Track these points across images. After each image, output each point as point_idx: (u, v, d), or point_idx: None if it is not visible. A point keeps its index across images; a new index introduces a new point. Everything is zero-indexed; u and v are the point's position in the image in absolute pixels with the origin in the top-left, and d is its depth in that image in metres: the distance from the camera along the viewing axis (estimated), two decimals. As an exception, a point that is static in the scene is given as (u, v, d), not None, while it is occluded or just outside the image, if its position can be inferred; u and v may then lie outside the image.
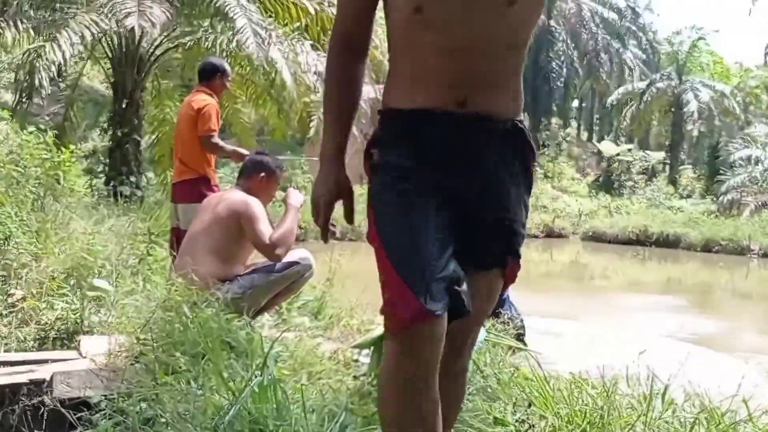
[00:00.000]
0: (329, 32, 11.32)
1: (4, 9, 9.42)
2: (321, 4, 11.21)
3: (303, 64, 11.12)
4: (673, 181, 28.29)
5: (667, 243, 18.78)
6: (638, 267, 16.88)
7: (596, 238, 20.38)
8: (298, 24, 10.95)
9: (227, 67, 5.10)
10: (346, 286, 4.73)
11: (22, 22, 9.00)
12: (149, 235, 5.11)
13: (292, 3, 10.47)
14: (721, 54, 31.79)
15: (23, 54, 9.18)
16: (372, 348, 3.00)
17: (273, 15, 10.76)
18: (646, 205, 23.54)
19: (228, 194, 3.74)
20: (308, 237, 16.08)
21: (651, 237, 19.19)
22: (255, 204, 3.54)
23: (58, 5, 9.18)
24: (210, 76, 4.97)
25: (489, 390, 2.75)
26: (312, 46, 11.34)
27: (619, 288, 12.50)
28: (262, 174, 3.75)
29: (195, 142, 4.78)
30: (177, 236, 4.72)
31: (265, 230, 3.45)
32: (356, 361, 3.19)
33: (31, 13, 9.54)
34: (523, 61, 1.69)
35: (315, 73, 11.57)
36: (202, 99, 4.83)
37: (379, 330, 3.03)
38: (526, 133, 1.70)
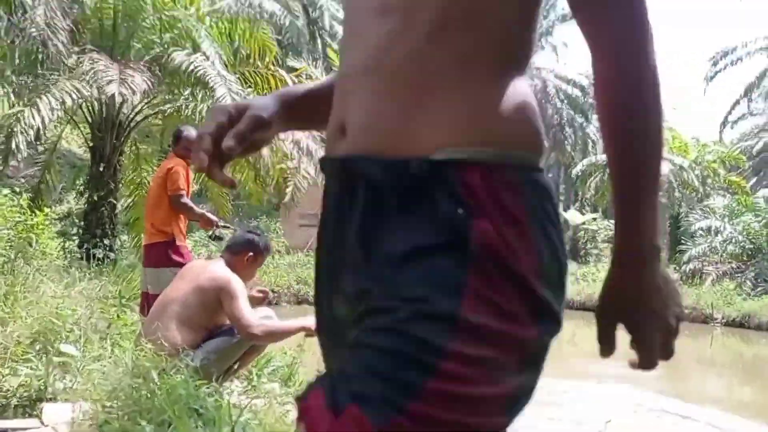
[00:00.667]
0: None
1: (-14, 74, 9.56)
2: (299, 76, 11.58)
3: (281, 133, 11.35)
4: (639, 251, 28.70)
5: (635, 312, 18.89)
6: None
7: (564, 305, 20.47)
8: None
9: (186, 133, 5.21)
10: (318, 351, 4.72)
11: (3, 87, 9.12)
12: (120, 298, 5.10)
13: (271, 74, 10.79)
14: (678, 130, 32.97)
15: (2, 118, 9.26)
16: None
17: (252, 85, 11.05)
18: (612, 274, 23.77)
19: (211, 266, 3.74)
20: (281, 301, 16.00)
21: (618, 306, 19.32)
22: (237, 282, 3.56)
23: (40, 71, 9.32)
24: (176, 142, 5.14)
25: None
26: (289, 115, 11.61)
27: (588, 355, 12.54)
28: (250, 254, 3.80)
29: (164, 204, 4.91)
30: (146, 301, 4.74)
31: (245, 308, 3.47)
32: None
33: (13, 78, 9.66)
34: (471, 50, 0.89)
35: (292, 141, 11.83)
36: (173, 161, 4.99)
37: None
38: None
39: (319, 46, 27.29)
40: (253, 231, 4.15)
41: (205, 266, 3.81)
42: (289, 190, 15.99)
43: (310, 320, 3.48)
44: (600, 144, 32.71)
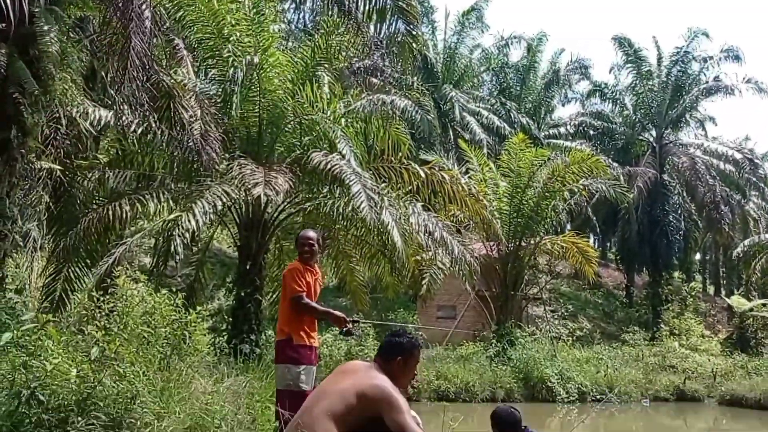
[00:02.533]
0: (439, 194, 11.78)
1: (150, 183, 10.56)
2: (431, 168, 11.78)
3: (414, 224, 11.51)
4: (820, 339, 25.67)
5: (821, 409, 16.70)
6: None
7: (735, 402, 18.46)
8: (410, 187, 11.48)
9: (301, 236, 5.63)
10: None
11: (163, 194, 9.99)
12: (264, 394, 5.20)
13: (404, 168, 11.07)
14: None
15: (162, 222, 10.09)
16: None
17: (386, 180, 11.37)
18: (790, 366, 21.33)
19: (371, 371, 3.67)
20: (421, 397, 15.69)
21: (800, 402, 17.17)
22: (399, 395, 3.51)
23: (195, 178, 10.16)
24: (296, 246, 5.62)
25: None
26: (423, 207, 11.78)
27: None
28: (399, 357, 3.74)
29: (284, 306, 5.19)
30: (281, 397, 4.85)
31: (410, 423, 3.40)
32: None
33: (172, 185, 10.57)
34: None
35: (426, 232, 11.91)
36: (289, 266, 5.29)
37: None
38: None
39: (451, 138, 27.88)
40: (398, 333, 3.99)
41: (367, 370, 3.71)
42: (425, 282, 16.03)
43: None
44: (763, 222, 30.21)
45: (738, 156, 33.19)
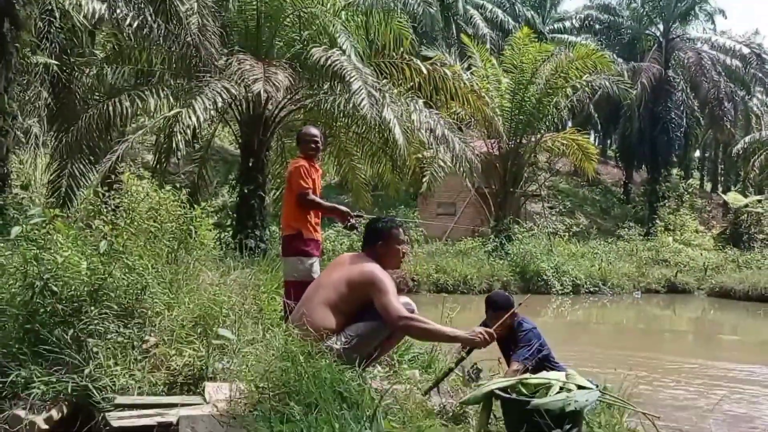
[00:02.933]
0: (441, 91, 11.66)
1: (149, 79, 10.43)
2: (433, 64, 11.58)
3: (416, 122, 11.45)
4: (812, 235, 26.13)
5: (807, 301, 17.27)
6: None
7: (724, 294, 19.07)
8: (411, 84, 11.33)
9: (305, 133, 5.59)
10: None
11: (162, 90, 9.90)
12: (270, 286, 5.39)
13: (406, 64, 10.89)
14: None
15: (163, 119, 10.06)
16: (481, 404, 3.02)
17: (388, 76, 11.20)
18: (780, 260, 21.89)
19: (360, 259, 3.89)
20: (420, 289, 16.18)
21: (787, 294, 17.75)
22: (385, 276, 3.69)
23: (194, 74, 10.02)
24: (298, 143, 5.56)
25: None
26: (424, 104, 11.67)
27: (752, 352, 11.58)
28: (380, 242, 3.91)
29: (290, 202, 5.25)
30: (285, 287, 5.06)
31: (393, 302, 3.57)
32: (465, 416, 3.20)
33: (171, 81, 10.44)
34: None
35: (428, 129, 11.88)
36: (294, 162, 5.30)
37: (488, 386, 3.04)
38: None
39: (453, 32, 27.16)
40: (375, 219, 4.22)
41: (354, 258, 3.96)
42: (425, 179, 16.13)
43: (475, 339, 3.49)
44: (766, 118, 29.85)
45: (745, 51, 32.43)
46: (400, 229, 4.00)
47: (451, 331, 3.59)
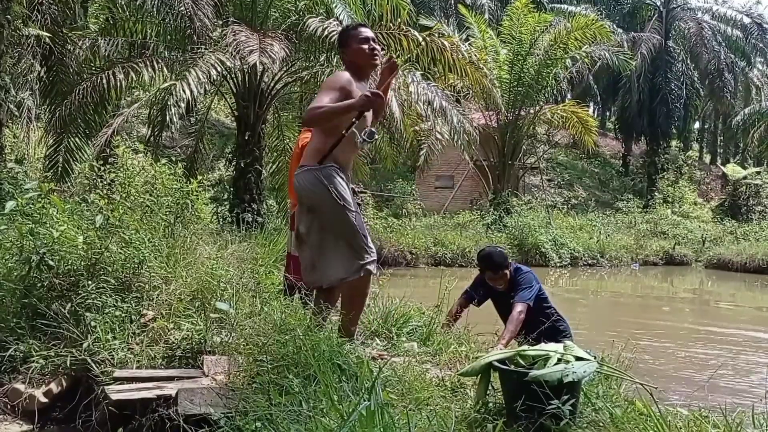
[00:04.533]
0: (438, 62, 11.53)
1: (143, 51, 10.31)
2: (431, 35, 11.44)
3: (413, 94, 11.36)
4: (810, 206, 26.18)
5: (803, 272, 17.36)
6: (769, 297, 15.71)
7: (721, 266, 19.15)
8: (409, 55, 11.21)
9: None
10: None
11: (157, 62, 9.79)
12: (267, 259, 5.37)
13: (404, 35, 10.75)
14: None
15: (156, 91, 9.96)
16: (479, 376, 3.02)
17: (385, 47, 11.06)
18: (778, 232, 21.94)
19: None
20: (419, 263, 16.22)
21: (785, 265, 17.83)
22: (331, 81, 3.65)
23: (189, 46, 9.90)
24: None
25: (601, 425, 2.69)
26: (422, 75, 11.55)
27: (748, 319, 11.66)
28: (341, 49, 3.89)
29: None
30: (290, 260, 5.00)
31: (314, 102, 3.54)
32: (463, 387, 3.21)
33: (166, 54, 10.33)
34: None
35: (425, 102, 11.79)
36: (305, 137, 5.12)
37: (486, 358, 3.04)
38: None
39: (451, 2, 26.84)
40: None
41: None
42: (423, 152, 16.06)
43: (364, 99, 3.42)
44: (766, 90, 29.75)
45: (746, 20, 32.13)
46: (361, 29, 3.87)
47: (344, 104, 3.49)
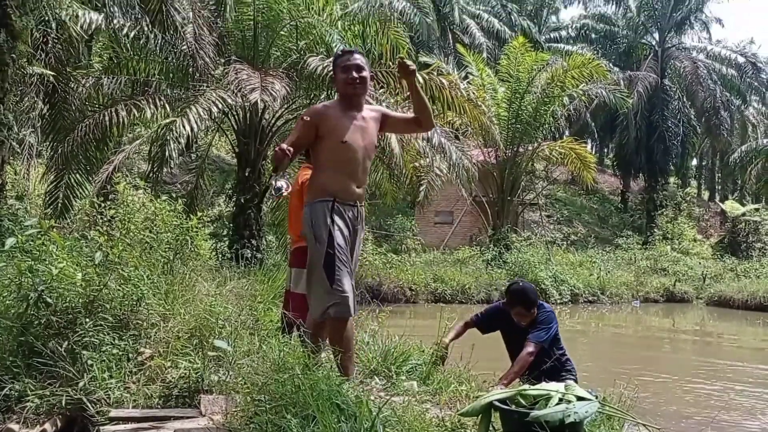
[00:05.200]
0: (437, 100, 11.66)
1: (145, 89, 10.43)
2: (430, 74, 11.59)
3: (413, 131, 11.42)
4: (809, 243, 26.16)
5: (805, 310, 17.26)
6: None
7: (722, 303, 19.06)
8: (408, 93, 11.32)
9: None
10: (455, 351, 4.73)
11: (159, 100, 9.89)
12: (266, 297, 5.35)
13: (403, 73, 10.86)
14: None
15: (158, 128, 10.05)
16: (480, 416, 2.98)
17: (384, 85, 11.21)
18: (779, 269, 21.89)
19: None
20: (418, 299, 16.15)
21: (786, 303, 17.74)
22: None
23: (191, 84, 10.02)
24: (307, 153, 5.31)
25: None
26: (421, 113, 11.63)
27: (751, 356, 11.54)
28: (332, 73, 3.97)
29: (302, 213, 5.06)
30: (288, 297, 4.98)
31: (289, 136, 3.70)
32: (464, 428, 3.17)
33: (168, 91, 10.44)
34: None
35: (424, 138, 11.88)
36: (305, 173, 5.14)
37: (487, 398, 3.01)
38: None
39: (450, 42, 27.23)
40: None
41: None
42: (422, 188, 16.12)
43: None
44: (761, 127, 29.99)
45: (741, 60, 32.57)
46: (346, 57, 3.83)
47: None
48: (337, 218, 3.61)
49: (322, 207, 3.62)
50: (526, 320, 4.68)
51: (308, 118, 3.65)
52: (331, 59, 10.14)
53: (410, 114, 4.08)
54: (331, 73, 9.70)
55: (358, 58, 3.82)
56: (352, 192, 3.73)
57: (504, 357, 4.83)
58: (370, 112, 3.90)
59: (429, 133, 12.11)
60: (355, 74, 3.76)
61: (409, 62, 3.69)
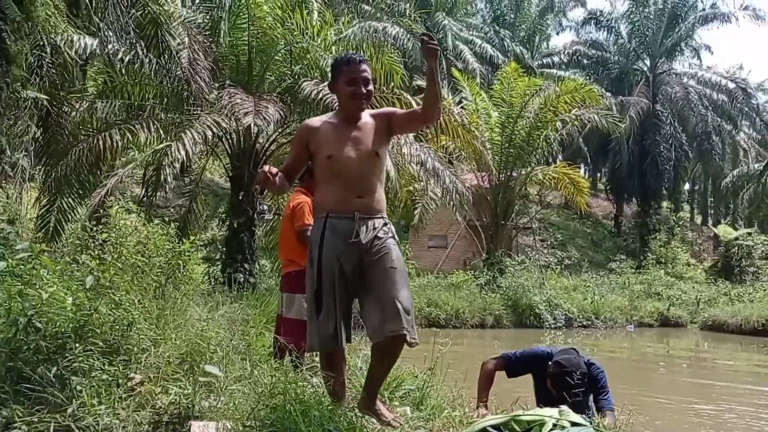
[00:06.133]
0: (432, 125, 11.72)
1: (140, 113, 10.46)
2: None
3: (406, 155, 11.50)
4: (802, 267, 26.25)
5: (799, 334, 17.24)
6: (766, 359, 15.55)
7: (716, 327, 19.03)
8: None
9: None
10: (449, 376, 4.68)
11: (153, 124, 9.92)
12: (258, 321, 5.31)
13: (397, 98, 10.96)
14: None
15: (152, 152, 10.06)
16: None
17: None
18: (772, 293, 21.92)
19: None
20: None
21: (780, 327, 17.72)
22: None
23: (185, 108, 10.06)
24: (301, 177, 5.30)
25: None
26: (415, 137, 11.73)
27: (746, 376, 11.49)
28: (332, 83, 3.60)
29: (294, 238, 5.07)
30: (280, 322, 4.96)
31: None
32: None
33: (162, 115, 10.47)
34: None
35: (418, 163, 11.93)
36: (297, 198, 5.15)
37: (480, 424, 2.98)
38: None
39: (443, 67, 27.48)
40: None
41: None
42: (417, 212, 16.14)
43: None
44: (753, 152, 30.34)
45: (731, 86, 32.97)
46: (354, 66, 3.44)
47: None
48: (329, 234, 3.35)
49: (317, 224, 3.46)
50: (560, 395, 4.17)
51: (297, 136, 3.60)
52: (325, 84, 10.25)
53: (415, 108, 3.77)
54: (327, 98, 9.71)
55: (367, 71, 3.48)
56: (349, 203, 3.36)
57: (498, 381, 4.77)
58: (368, 117, 3.52)
59: (423, 157, 12.16)
60: (363, 89, 3.43)
61: (434, 42, 3.22)
